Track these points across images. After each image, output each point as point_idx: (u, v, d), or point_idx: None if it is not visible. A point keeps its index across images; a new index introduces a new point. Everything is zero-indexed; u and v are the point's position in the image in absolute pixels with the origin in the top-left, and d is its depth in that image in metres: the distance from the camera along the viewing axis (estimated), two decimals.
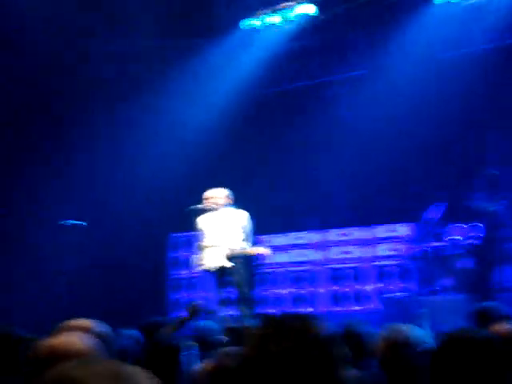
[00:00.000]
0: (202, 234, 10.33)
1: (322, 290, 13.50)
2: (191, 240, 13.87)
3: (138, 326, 6.59)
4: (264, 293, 13.95)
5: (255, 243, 10.94)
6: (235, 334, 5.59)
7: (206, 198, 10.30)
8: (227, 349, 4.10)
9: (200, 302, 6.85)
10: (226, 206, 10.28)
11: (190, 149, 14.13)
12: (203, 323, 6.94)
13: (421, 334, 3.93)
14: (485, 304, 5.77)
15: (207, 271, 10.25)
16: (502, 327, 4.09)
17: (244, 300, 10.02)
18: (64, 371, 1.29)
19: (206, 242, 10.23)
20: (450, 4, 12.93)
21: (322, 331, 1.99)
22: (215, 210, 10.25)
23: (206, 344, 5.80)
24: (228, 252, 10.11)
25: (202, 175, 14.14)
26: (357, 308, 13.01)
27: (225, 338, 6.07)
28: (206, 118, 14.22)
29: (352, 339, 4.63)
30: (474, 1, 12.82)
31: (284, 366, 1.89)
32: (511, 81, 12.81)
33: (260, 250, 10.42)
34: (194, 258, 10.52)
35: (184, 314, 6.69)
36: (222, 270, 10.13)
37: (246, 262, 10.17)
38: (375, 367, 4.05)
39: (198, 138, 14.11)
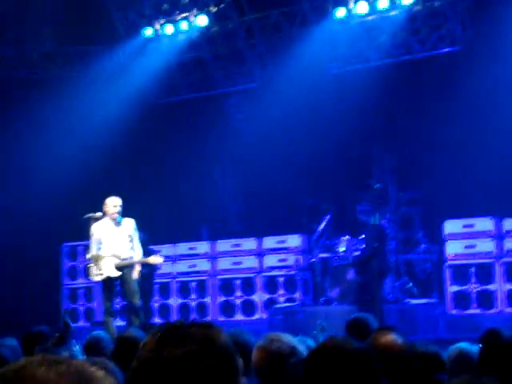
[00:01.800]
0: (98, 243, 10.18)
1: (209, 300, 13.49)
2: (87, 248, 13.67)
3: (20, 335, 6.43)
4: (153, 303, 13.84)
5: (149, 252, 10.96)
6: (125, 344, 5.49)
7: (108, 206, 10.15)
8: None
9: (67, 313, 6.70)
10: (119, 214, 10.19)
11: (85, 157, 13.92)
12: (94, 333, 6.84)
13: (297, 343, 3.93)
14: (360, 315, 5.90)
15: (103, 281, 10.11)
16: (381, 338, 4.16)
17: (134, 310, 9.95)
18: (26, 369, 1.22)
19: (102, 251, 10.07)
20: (345, 21, 13.20)
21: (224, 340, 1.89)
22: (112, 218, 10.10)
23: (96, 353, 5.71)
24: (118, 262, 10.02)
25: (95, 185, 13.98)
26: (244, 318, 13.07)
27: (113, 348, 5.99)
28: (102, 126, 14.03)
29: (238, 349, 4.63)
30: (368, 18, 13.15)
31: (179, 373, 1.78)
32: (398, 97, 13.22)
33: (153, 259, 10.35)
34: (91, 267, 10.28)
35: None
36: (112, 279, 10.04)
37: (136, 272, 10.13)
38: (253, 376, 4.04)
39: (92, 147, 13.91)
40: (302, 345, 3.89)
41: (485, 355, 3.91)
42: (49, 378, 1.20)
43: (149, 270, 11.82)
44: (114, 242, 10.04)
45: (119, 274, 9.98)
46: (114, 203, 10.06)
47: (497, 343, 3.89)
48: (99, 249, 10.08)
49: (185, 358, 1.80)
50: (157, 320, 13.32)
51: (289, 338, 3.85)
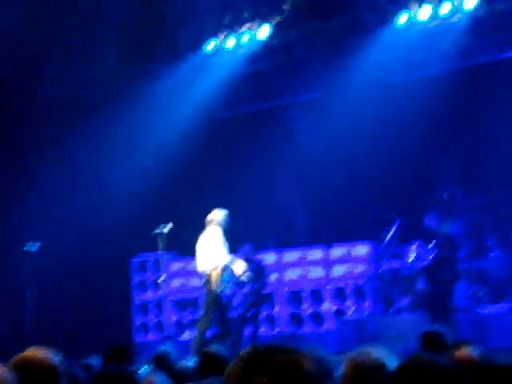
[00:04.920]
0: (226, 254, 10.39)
1: (277, 312, 13.49)
2: (156, 262, 13.82)
3: (100, 351, 6.55)
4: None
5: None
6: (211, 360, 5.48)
7: (221, 216, 10.59)
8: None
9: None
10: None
11: (150, 172, 14.13)
12: (160, 348, 6.91)
13: (387, 357, 3.89)
14: (436, 327, 5.84)
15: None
16: (460, 353, 4.13)
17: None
18: None
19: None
20: (406, 28, 13.08)
21: (309, 366, 1.86)
22: (223, 229, 10.23)
23: (164, 368, 5.76)
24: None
25: (161, 199, 14.19)
26: (313, 329, 13.03)
27: (186, 363, 6.02)
28: (166, 142, 14.24)
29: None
30: (430, 24, 13.01)
31: None
32: (462, 103, 13.07)
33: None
34: (219, 276, 10.39)
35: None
36: None
37: None
38: None
39: (156, 162, 14.12)
40: (393, 360, 3.87)
41: None
42: None
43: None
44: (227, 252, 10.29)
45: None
46: (225, 215, 10.32)
47: None
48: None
49: None
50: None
51: (379, 352, 3.83)
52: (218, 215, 10.47)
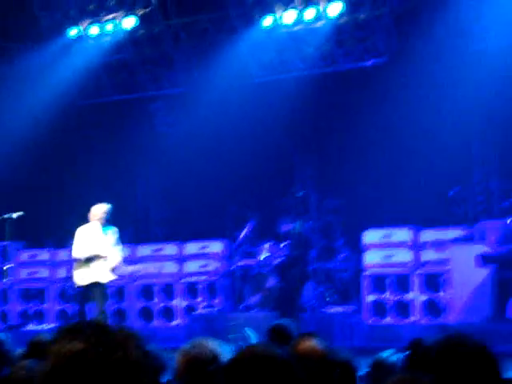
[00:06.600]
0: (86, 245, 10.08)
1: (128, 306, 13.33)
2: (3, 250, 13.31)
3: None
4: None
5: None
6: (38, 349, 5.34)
7: (98, 211, 10.22)
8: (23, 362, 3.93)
9: None
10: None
11: (4, 157, 13.60)
12: None
13: (223, 349, 3.88)
14: (280, 322, 5.94)
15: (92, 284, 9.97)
16: (304, 344, 4.17)
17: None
18: None
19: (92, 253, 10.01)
20: (271, 30, 13.24)
21: (140, 346, 1.86)
22: (101, 223, 9.99)
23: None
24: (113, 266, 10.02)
25: (15, 186, 13.72)
26: (163, 324, 12.98)
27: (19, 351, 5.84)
28: (23, 126, 13.72)
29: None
30: (295, 28, 13.22)
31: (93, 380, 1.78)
32: (322, 107, 13.39)
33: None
34: (78, 271, 10.09)
35: None
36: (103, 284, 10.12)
37: None
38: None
39: (11, 147, 13.59)
40: (227, 352, 3.86)
41: (410, 362, 4.00)
42: None
43: None
44: (104, 246, 10.08)
45: (114, 277, 10.11)
46: (104, 209, 10.13)
47: (421, 350, 3.97)
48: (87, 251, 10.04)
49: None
50: None
51: (212, 344, 3.81)
52: (98, 210, 10.29)
